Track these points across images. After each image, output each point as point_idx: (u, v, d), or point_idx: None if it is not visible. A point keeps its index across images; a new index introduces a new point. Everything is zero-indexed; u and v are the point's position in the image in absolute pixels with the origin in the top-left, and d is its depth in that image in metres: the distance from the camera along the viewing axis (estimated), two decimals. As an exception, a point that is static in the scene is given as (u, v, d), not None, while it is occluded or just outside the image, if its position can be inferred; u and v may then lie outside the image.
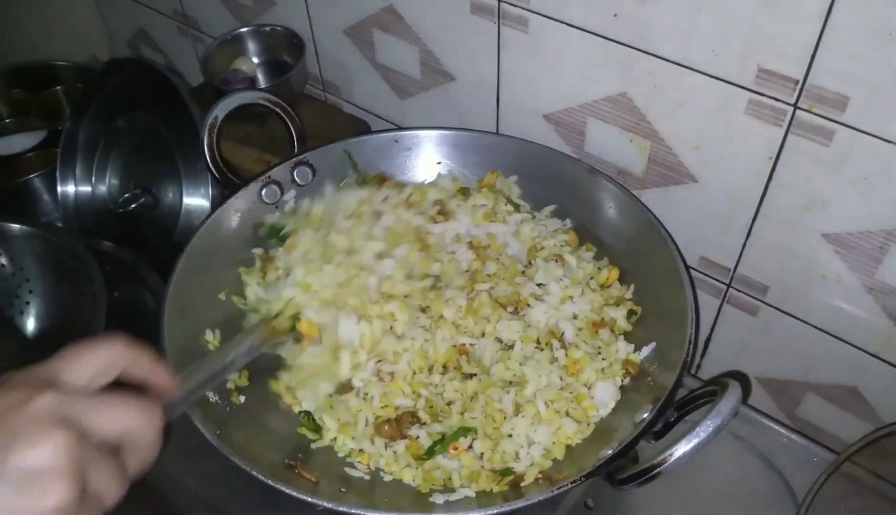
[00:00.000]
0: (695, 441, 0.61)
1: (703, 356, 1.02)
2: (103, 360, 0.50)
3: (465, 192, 0.95)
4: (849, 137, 0.71)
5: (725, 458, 0.89)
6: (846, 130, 0.71)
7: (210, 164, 0.92)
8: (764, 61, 0.72)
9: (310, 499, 0.64)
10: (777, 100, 0.74)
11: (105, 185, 1.15)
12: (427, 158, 0.98)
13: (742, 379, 0.96)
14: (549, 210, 0.95)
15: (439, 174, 0.98)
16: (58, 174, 1.14)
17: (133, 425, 0.48)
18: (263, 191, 0.92)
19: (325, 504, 0.65)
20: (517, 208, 0.95)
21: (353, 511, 0.65)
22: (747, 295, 0.91)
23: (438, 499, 0.71)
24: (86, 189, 1.16)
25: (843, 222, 0.77)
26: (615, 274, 0.87)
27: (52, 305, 1.00)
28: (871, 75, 0.67)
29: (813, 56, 0.69)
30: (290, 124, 0.96)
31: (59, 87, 1.39)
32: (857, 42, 0.66)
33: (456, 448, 0.75)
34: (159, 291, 0.94)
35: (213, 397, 0.76)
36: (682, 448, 0.61)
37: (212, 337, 0.82)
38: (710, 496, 0.86)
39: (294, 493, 0.64)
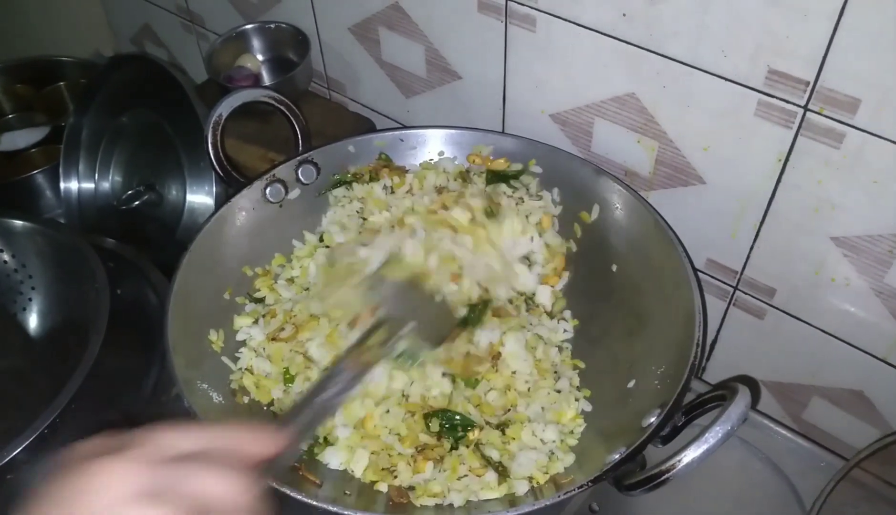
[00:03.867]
0: (704, 447, 0.60)
1: (708, 359, 1.01)
2: (198, 440, 0.44)
3: (464, 176, 0.94)
4: (859, 140, 0.70)
5: (731, 462, 0.88)
6: (857, 133, 0.70)
7: (214, 162, 0.91)
8: (774, 62, 0.71)
9: (313, 502, 0.64)
10: (787, 101, 0.73)
11: (108, 182, 1.14)
12: (432, 157, 0.98)
13: (751, 383, 0.95)
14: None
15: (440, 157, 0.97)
16: (61, 170, 1.14)
17: (227, 498, 0.41)
18: (268, 190, 0.92)
19: (329, 507, 0.64)
20: (515, 190, 0.92)
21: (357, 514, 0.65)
22: (754, 297, 0.90)
23: (443, 502, 0.70)
24: (89, 185, 1.15)
25: (852, 225, 0.76)
26: (548, 221, 0.90)
27: (54, 302, 1.00)
28: (883, 77, 0.66)
29: (824, 57, 0.68)
30: (294, 122, 0.95)
31: (62, 83, 1.38)
32: (869, 43, 0.65)
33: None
34: (162, 289, 0.93)
35: (217, 397, 0.76)
36: (690, 454, 0.60)
37: (216, 337, 0.82)
38: (716, 500, 0.86)
39: (298, 496, 0.64)
